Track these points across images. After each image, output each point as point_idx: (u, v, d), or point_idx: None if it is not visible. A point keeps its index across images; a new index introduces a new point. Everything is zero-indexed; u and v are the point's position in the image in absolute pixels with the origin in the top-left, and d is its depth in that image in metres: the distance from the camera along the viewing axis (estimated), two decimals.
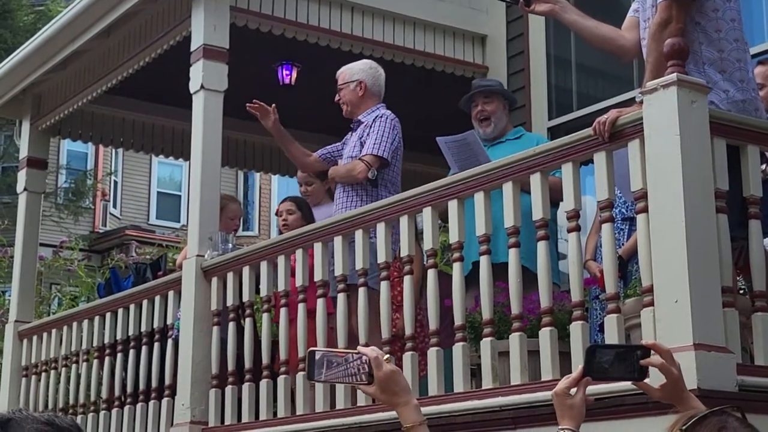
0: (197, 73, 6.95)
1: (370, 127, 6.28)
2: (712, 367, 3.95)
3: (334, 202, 6.48)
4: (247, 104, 6.62)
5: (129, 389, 7.24)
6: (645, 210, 4.31)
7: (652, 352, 2.65)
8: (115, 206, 26.23)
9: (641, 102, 4.42)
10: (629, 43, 4.95)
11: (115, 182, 26.19)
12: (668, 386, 2.69)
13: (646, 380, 2.69)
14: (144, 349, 7.14)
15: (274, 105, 6.63)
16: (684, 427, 2.35)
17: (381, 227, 5.58)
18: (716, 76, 4.51)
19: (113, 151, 23.95)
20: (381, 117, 6.28)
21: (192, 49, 7.02)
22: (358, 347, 2.64)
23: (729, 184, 4.33)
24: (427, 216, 5.36)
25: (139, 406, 7.13)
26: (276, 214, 7.09)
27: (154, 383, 7.03)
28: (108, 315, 7.59)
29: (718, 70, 4.54)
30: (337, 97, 6.51)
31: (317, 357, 2.57)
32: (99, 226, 25.03)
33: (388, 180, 6.30)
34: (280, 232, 7.02)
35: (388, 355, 2.61)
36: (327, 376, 2.58)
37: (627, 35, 4.96)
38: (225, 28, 7.03)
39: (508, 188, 4.98)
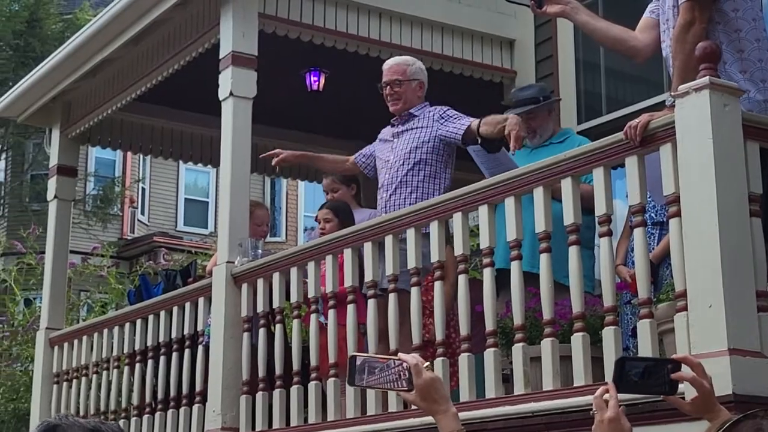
0: (226, 80, 6.96)
1: (442, 117, 6.26)
2: (747, 372, 3.92)
3: (390, 192, 6.29)
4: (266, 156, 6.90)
5: (160, 395, 7.27)
6: (678, 214, 4.29)
7: (683, 365, 2.63)
8: (143, 213, 26.35)
9: (672, 105, 4.40)
10: (641, 44, 4.93)
11: (143, 189, 26.30)
12: (699, 400, 2.66)
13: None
14: (174, 355, 7.16)
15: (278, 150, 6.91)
16: None
17: (411, 233, 5.58)
18: (737, 76, 4.48)
19: (140, 158, 24.06)
20: (446, 109, 6.30)
21: (221, 56, 7.04)
22: (399, 354, 2.63)
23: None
24: (457, 221, 5.35)
25: (170, 412, 7.15)
26: (315, 219, 7.08)
27: (184, 389, 7.05)
28: (138, 321, 7.62)
29: (738, 70, 4.52)
30: (389, 90, 6.41)
31: (358, 362, 2.57)
32: (127, 233, 25.14)
33: (448, 177, 6.29)
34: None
35: (428, 363, 2.60)
36: (368, 382, 2.58)
37: (640, 36, 4.94)
38: (254, 35, 7.04)
39: (538, 193, 4.96)
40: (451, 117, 6.25)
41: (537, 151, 6.29)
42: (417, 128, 6.31)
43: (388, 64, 6.50)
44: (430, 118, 6.30)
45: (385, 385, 2.58)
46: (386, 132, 6.53)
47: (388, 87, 6.41)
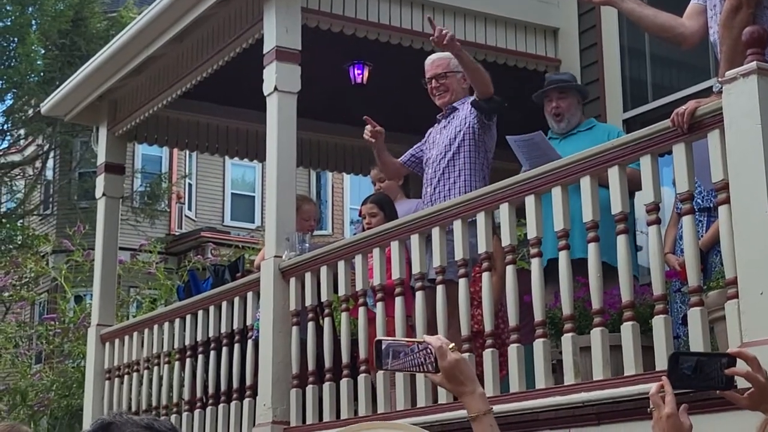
0: (270, 75, 6.99)
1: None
2: None
3: (434, 186, 6.32)
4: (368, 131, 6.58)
5: (210, 390, 7.32)
6: (727, 201, 4.25)
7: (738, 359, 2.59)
8: (190, 208, 26.49)
9: (719, 92, 4.36)
10: (689, 30, 4.88)
11: (190, 185, 26.44)
12: (756, 394, 2.63)
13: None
14: (224, 350, 7.20)
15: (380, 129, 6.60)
16: None
17: (458, 224, 5.58)
18: None
19: (187, 154, 24.19)
20: None
21: (265, 51, 7.06)
22: (423, 336, 2.64)
23: None
24: (504, 212, 5.34)
25: (221, 406, 7.20)
26: (359, 215, 7.09)
27: (235, 384, 7.09)
28: (188, 317, 7.68)
29: None
30: (435, 84, 6.43)
31: (383, 347, 2.59)
32: (175, 229, 25.30)
33: (486, 165, 6.29)
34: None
35: (452, 344, 2.60)
36: (393, 365, 2.59)
37: (688, 23, 4.89)
38: (297, 29, 7.06)
39: (585, 182, 4.94)
40: None
41: (566, 140, 6.28)
42: (457, 119, 6.32)
43: (430, 59, 6.50)
44: (466, 109, 6.32)
45: (411, 368, 2.59)
46: (433, 131, 6.54)
47: (434, 81, 6.42)
